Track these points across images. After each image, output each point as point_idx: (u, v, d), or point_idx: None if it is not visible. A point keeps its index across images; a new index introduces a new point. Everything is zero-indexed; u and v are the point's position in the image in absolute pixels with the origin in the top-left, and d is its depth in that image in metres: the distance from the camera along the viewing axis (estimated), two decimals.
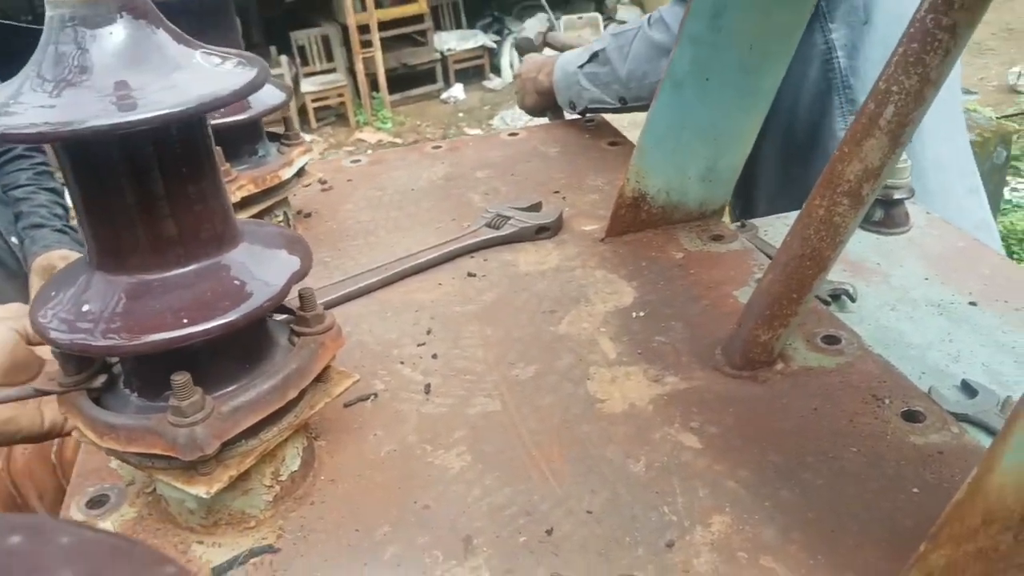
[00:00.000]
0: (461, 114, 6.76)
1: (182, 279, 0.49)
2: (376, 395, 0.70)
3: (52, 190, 1.43)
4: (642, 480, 0.59)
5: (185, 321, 0.47)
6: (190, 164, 0.48)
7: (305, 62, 6.53)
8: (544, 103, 1.33)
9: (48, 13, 0.45)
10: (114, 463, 0.59)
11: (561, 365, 0.72)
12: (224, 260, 0.51)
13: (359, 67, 6.44)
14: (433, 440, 0.64)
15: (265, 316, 0.54)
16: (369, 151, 6.14)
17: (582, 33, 6.84)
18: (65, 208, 1.42)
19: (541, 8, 7.19)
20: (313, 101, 6.40)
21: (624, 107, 1.20)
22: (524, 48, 1.59)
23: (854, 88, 1.13)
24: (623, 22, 7.19)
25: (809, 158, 1.19)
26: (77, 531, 0.17)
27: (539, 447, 0.63)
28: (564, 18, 6.13)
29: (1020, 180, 4.23)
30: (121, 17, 0.44)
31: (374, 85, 6.63)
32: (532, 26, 1.59)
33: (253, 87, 0.47)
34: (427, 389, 0.70)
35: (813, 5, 0.85)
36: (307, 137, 0.89)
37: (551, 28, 1.60)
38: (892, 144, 0.60)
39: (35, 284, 1.27)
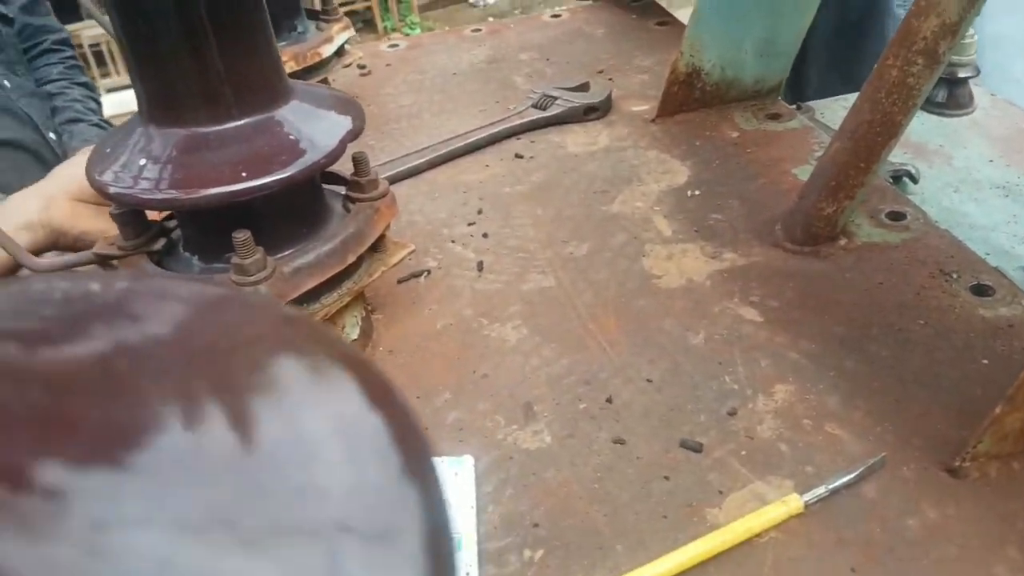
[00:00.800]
0: (491, 19, 6.55)
1: (237, 132, 0.47)
2: (429, 272, 0.69)
3: (84, 84, 1.40)
4: (702, 351, 0.58)
5: (244, 175, 0.46)
6: (242, 12, 0.46)
7: None
8: None
9: None
10: None
11: (615, 242, 0.70)
12: (278, 115, 0.49)
13: None
14: (488, 314, 0.64)
15: (320, 175, 0.53)
16: None
17: None
18: (98, 102, 1.40)
19: None
20: (340, 5, 6.22)
21: None
22: None
23: None
24: None
25: (862, 34, 1.14)
26: (189, 284, 0.16)
27: (595, 320, 0.62)
28: None
29: None
30: None
31: None
32: None
33: None
34: (480, 266, 0.69)
35: None
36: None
37: None
38: None
39: None
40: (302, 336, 0.14)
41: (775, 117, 0.87)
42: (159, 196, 0.46)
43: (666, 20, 1.14)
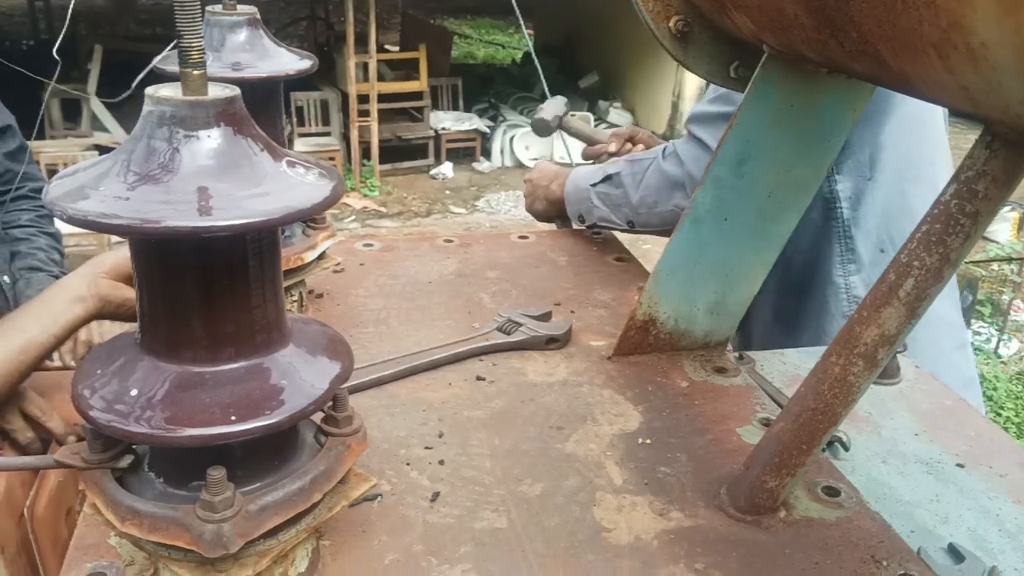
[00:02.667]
0: (448, 191, 6.86)
1: (232, 374, 0.49)
2: (381, 497, 0.69)
3: (52, 235, 1.42)
4: None
5: (233, 418, 0.47)
6: (259, 269, 0.49)
7: (301, 122, 6.62)
8: (553, 211, 1.37)
9: (147, 108, 0.47)
10: (114, 540, 0.57)
11: (568, 486, 0.72)
12: (273, 360, 0.51)
13: (354, 134, 6.54)
14: (438, 552, 0.64)
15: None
16: (352, 216, 6.18)
17: None
18: (61, 254, 1.41)
19: (535, 99, 7.43)
20: None
21: (631, 230, 1.24)
22: (539, 129, 1.63)
23: (855, 238, 1.18)
24: (615, 124, 7.44)
25: (803, 295, 1.24)
26: None
27: (546, 573, 0.63)
28: None
29: (983, 324, 4.38)
30: (218, 125, 0.46)
31: (366, 153, 6.73)
32: (549, 108, 1.59)
33: (332, 200, 0.48)
34: (434, 497, 0.70)
35: (830, 164, 0.91)
36: None
37: (567, 112, 1.63)
38: (909, 315, 0.63)
39: None
40: None
41: (721, 371, 0.93)
42: (144, 431, 0.46)
43: (624, 256, 1.23)
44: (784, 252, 1.22)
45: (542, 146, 6.89)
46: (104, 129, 6.28)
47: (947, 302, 1.26)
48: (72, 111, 6.48)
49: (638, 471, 0.75)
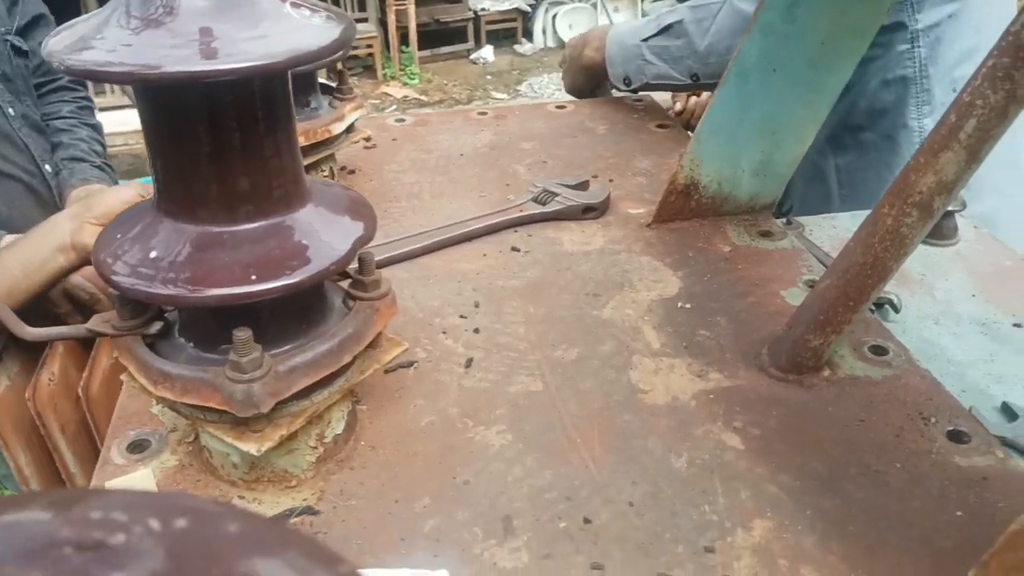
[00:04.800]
0: (489, 76, 6.68)
1: (251, 234, 0.48)
2: (417, 364, 0.69)
3: (93, 126, 1.41)
4: (683, 476, 0.59)
5: (253, 277, 0.46)
6: (268, 119, 0.47)
7: (337, 5, 6.45)
8: (591, 82, 1.28)
9: None
10: (156, 409, 0.59)
11: (604, 350, 0.71)
12: (292, 219, 0.50)
13: (391, 19, 6.35)
14: (474, 415, 0.64)
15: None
16: (394, 106, 6.09)
17: (619, 4, 6.73)
18: (103, 145, 1.41)
19: None
20: None
21: (695, 84, 1.15)
22: None
23: (931, 78, 1.10)
24: None
25: (865, 145, 1.16)
26: (244, 516, 0.16)
27: (580, 432, 0.62)
28: None
29: None
30: None
31: (404, 39, 6.55)
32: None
33: (341, 44, 0.46)
34: (468, 363, 0.69)
35: (888, 8, 0.83)
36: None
37: None
38: (969, 159, 0.59)
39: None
40: None
41: (767, 235, 0.89)
42: (166, 291, 0.46)
43: (666, 123, 1.18)
44: (843, 98, 1.14)
45: (587, 23, 6.61)
46: None
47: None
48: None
49: (676, 335, 0.73)
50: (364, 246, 0.53)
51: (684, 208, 0.91)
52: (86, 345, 1.04)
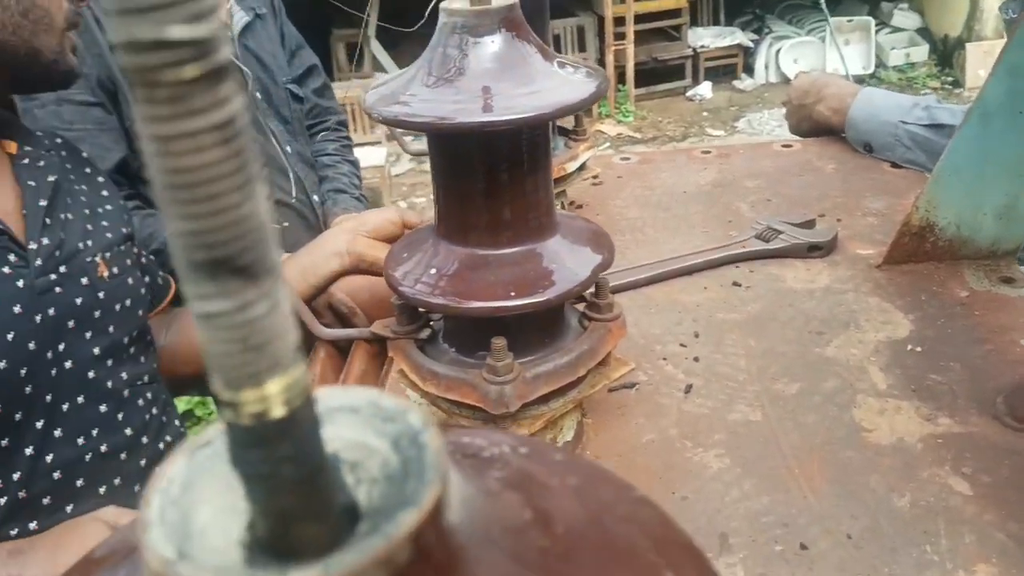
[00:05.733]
0: (705, 113, 6.63)
1: (510, 257, 0.56)
2: (639, 386, 0.74)
3: (352, 163, 1.62)
4: (905, 516, 0.59)
5: (512, 294, 0.54)
6: (532, 161, 0.55)
7: (558, 50, 6.71)
8: (817, 133, 1.26)
9: (441, 20, 0.53)
10: (413, 400, 0.68)
11: (827, 387, 0.72)
12: (544, 246, 0.58)
13: (609, 59, 6.52)
14: (693, 437, 0.68)
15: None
16: (607, 144, 6.23)
17: (850, 37, 6.43)
18: (360, 179, 1.62)
19: (806, 7, 6.85)
20: None
21: None
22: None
23: None
24: (899, 28, 6.64)
25: None
26: (562, 451, 0.22)
27: (799, 463, 0.64)
28: (832, 19, 5.79)
29: None
30: (500, 30, 0.52)
31: (621, 78, 6.68)
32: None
33: (597, 96, 0.52)
34: (688, 389, 0.73)
35: None
36: None
37: None
38: None
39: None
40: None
41: (1008, 281, 0.85)
42: (439, 301, 0.55)
43: (901, 164, 1.14)
44: None
45: (813, 57, 6.39)
46: (383, 69, 6.86)
47: None
48: (353, 54, 7.14)
49: (904, 377, 0.73)
50: (603, 271, 0.59)
51: (918, 250, 0.89)
52: (343, 352, 1.19)
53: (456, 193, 0.56)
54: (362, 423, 0.17)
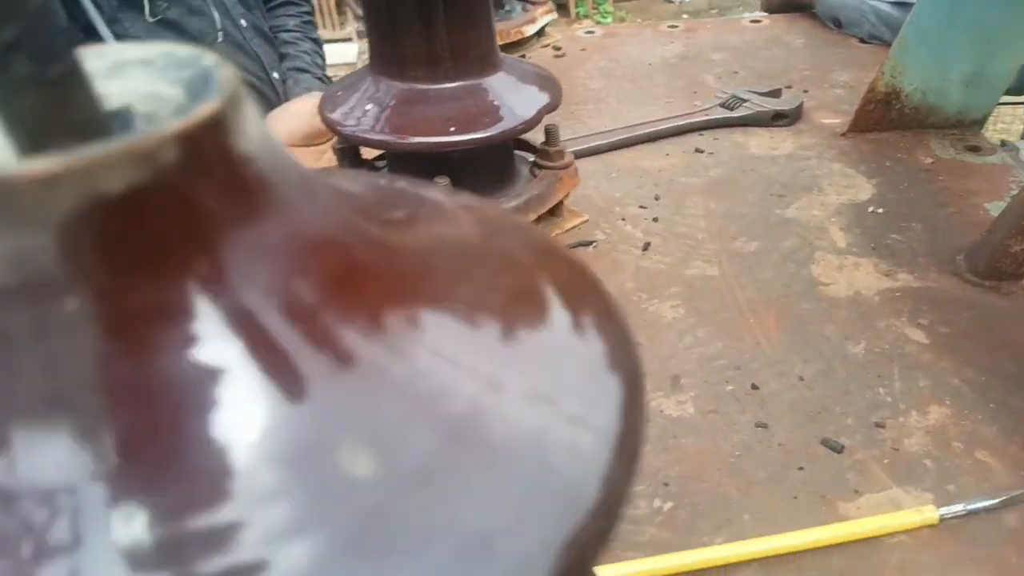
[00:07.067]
0: (686, 16, 6.47)
1: (450, 92, 0.53)
2: (596, 243, 0.72)
3: (315, 40, 1.53)
4: (860, 361, 0.58)
5: (452, 129, 0.51)
6: None
7: None
8: (790, 8, 1.22)
9: None
10: None
11: (786, 246, 0.71)
12: (486, 82, 0.54)
13: None
14: (649, 290, 0.66)
15: (514, 141, 0.57)
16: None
17: None
18: (323, 58, 1.53)
19: None
20: None
21: None
22: None
23: None
24: None
25: None
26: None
27: (755, 314, 0.63)
28: None
29: None
30: None
31: None
32: None
33: None
34: (646, 247, 0.72)
35: None
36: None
37: None
38: None
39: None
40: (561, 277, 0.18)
41: (974, 149, 0.83)
42: (378, 137, 0.52)
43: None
44: None
45: None
46: None
47: None
48: None
49: (865, 236, 0.71)
50: (550, 112, 0.56)
51: (883, 118, 0.87)
52: None
53: (389, 27, 0.52)
54: (155, 74, 0.14)
